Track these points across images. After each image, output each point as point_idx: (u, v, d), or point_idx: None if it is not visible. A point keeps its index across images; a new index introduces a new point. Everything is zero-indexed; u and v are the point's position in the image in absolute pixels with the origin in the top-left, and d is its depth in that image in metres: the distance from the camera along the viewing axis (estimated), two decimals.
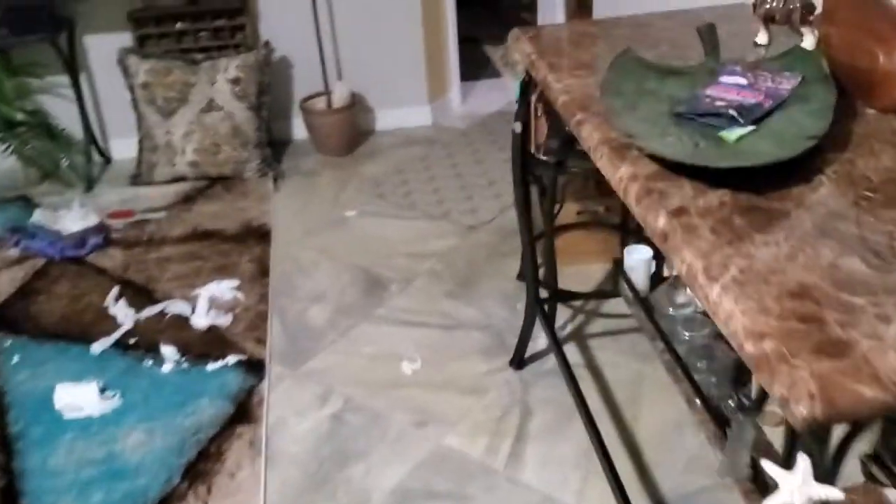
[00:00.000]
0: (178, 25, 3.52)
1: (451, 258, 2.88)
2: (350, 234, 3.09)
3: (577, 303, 2.59)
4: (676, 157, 1.10)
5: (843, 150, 1.18)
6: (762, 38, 1.59)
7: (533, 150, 1.84)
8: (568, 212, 2.69)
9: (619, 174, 1.17)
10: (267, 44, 3.54)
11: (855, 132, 1.23)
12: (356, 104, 3.75)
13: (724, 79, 1.34)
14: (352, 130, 3.74)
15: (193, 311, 2.61)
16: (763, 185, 1.09)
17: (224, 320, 2.57)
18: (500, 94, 4.39)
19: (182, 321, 2.58)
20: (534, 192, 2.33)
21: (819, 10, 1.53)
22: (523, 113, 1.87)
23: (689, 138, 1.20)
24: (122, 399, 2.27)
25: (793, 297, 0.88)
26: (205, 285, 2.74)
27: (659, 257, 2.16)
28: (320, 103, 3.73)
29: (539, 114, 1.76)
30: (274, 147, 3.73)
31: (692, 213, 1.05)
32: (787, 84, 1.30)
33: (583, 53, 1.62)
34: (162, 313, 2.63)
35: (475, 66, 4.68)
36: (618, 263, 2.12)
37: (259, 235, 3.07)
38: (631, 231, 2.71)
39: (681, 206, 1.06)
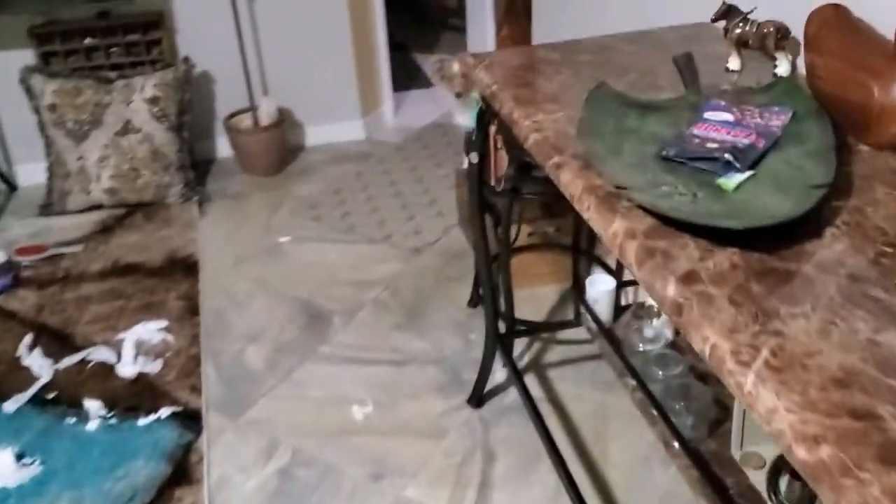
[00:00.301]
0: (87, 41, 3.26)
1: (397, 285, 2.74)
2: (285, 262, 2.91)
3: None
4: (680, 216, 0.99)
5: (846, 195, 1.09)
6: (734, 63, 1.51)
7: (493, 182, 1.72)
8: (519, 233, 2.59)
9: (613, 230, 1.06)
10: (186, 59, 3.31)
11: (854, 173, 1.15)
12: (284, 120, 3.56)
13: (709, 115, 1.24)
14: (281, 148, 3.55)
15: (119, 358, 2.39)
16: (771, 240, 1.00)
17: (153, 367, 2.36)
18: (433, 106, 4.26)
19: (107, 370, 2.36)
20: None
21: (793, 33, 1.46)
22: (480, 144, 1.75)
23: (685, 188, 1.09)
24: (42, 465, 2.04)
25: (838, 386, 0.78)
26: (130, 328, 2.52)
27: (620, 286, 2.07)
28: (246, 121, 3.52)
29: (499, 146, 1.64)
30: (197, 169, 3.50)
31: (704, 279, 0.94)
32: (776, 120, 1.21)
33: (547, 84, 1.50)
34: (83, 362, 2.40)
35: (405, 76, 4.54)
36: (579, 293, 2.01)
37: (186, 267, 2.85)
38: (583, 251, 2.62)
39: (690, 271, 0.95)
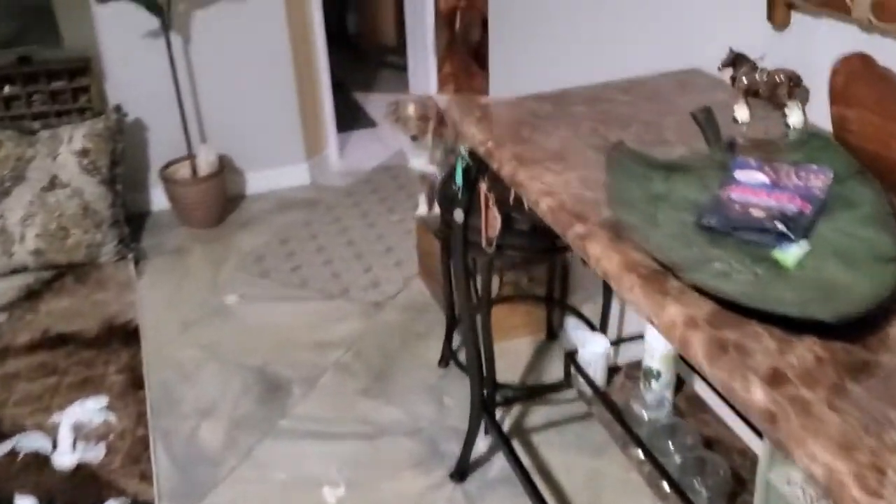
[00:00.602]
0: (7, 90, 3.00)
1: (360, 346, 2.55)
2: (235, 324, 2.69)
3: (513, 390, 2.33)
4: (754, 304, 0.86)
5: None
6: (742, 113, 1.41)
7: (484, 244, 1.58)
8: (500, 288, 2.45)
9: (669, 317, 0.92)
10: (118, 108, 3.08)
11: None
12: (224, 168, 3.35)
13: (741, 175, 1.13)
14: (221, 198, 3.34)
15: (54, 445, 2.13)
16: (848, 324, 0.88)
17: (95, 454, 2.11)
18: (378, 147, 4.11)
19: (41, 461, 2.10)
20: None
21: (804, 81, 1.37)
22: (467, 202, 1.60)
23: (740, 263, 0.97)
24: None
25: None
26: (65, 408, 2.26)
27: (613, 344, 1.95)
28: (183, 170, 3.30)
29: (490, 204, 1.50)
30: (131, 223, 3.25)
31: (792, 378, 0.81)
32: (816, 181, 1.10)
33: (547, 139, 1.37)
34: (13, 452, 2.13)
35: (347, 116, 4.37)
36: (570, 357, 1.88)
37: (126, 335, 2.61)
38: (558, 302, 2.50)
39: (774, 370, 0.82)
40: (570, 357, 1.88)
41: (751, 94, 1.39)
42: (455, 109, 1.51)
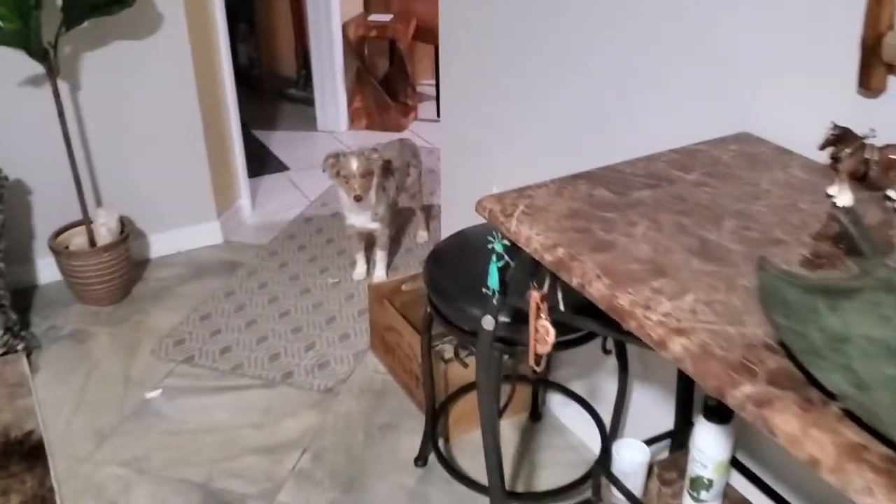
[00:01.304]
0: None
1: (319, 446, 2.19)
2: (164, 428, 2.26)
3: None
4: None
5: None
6: (845, 199, 1.18)
7: (531, 361, 1.28)
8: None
9: None
10: None
11: None
12: (129, 235, 2.89)
13: None
14: (126, 269, 2.87)
15: None
16: None
17: None
18: (294, 194, 3.73)
19: None
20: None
21: None
22: (503, 308, 1.31)
23: None
24: None
25: None
26: None
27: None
28: (79, 238, 2.82)
29: (541, 314, 1.21)
30: (16, 301, 2.73)
31: None
32: None
33: (631, 243, 1.10)
34: None
35: (254, 159, 3.96)
36: (602, 465, 1.61)
37: (27, 453, 2.13)
38: (545, 381, 2.24)
39: None
40: (603, 468, 1.61)
41: (859, 177, 1.17)
42: (494, 204, 1.21)
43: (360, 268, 2.98)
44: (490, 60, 2.21)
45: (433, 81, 5.36)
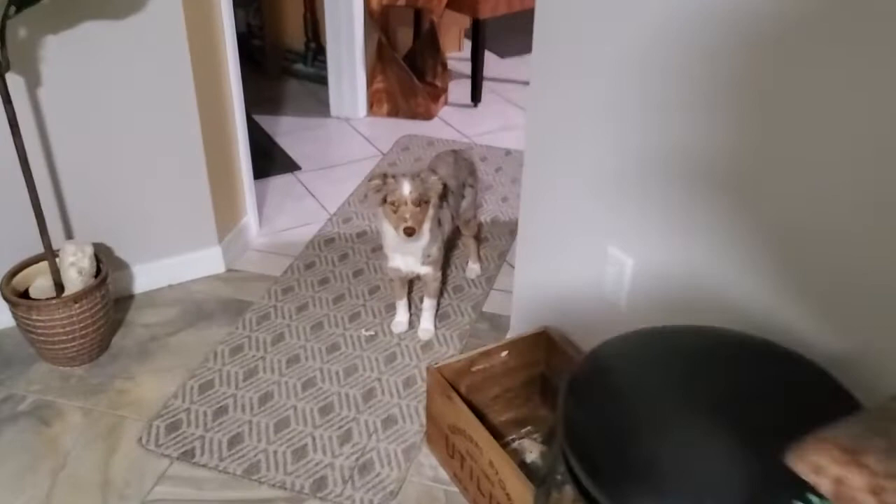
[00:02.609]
0: None
1: None
2: None
3: None
4: None
5: None
6: None
7: None
8: None
9: None
10: None
11: None
12: (107, 276, 2.23)
13: None
14: (104, 319, 2.23)
15: None
16: None
17: None
18: (307, 203, 3.09)
19: None
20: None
21: None
22: None
23: None
24: None
25: None
26: None
27: None
28: (41, 281, 2.17)
29: None
30: None
31: None
32: None
33: None
34: None
35: (258, 155, 3.28)
36: None
37: None
38: None
39: None
40: None
41: None
42: (833, 450, 0.60)
43: (402, 317, 2.36)
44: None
45: (463, 55, 4.67)
